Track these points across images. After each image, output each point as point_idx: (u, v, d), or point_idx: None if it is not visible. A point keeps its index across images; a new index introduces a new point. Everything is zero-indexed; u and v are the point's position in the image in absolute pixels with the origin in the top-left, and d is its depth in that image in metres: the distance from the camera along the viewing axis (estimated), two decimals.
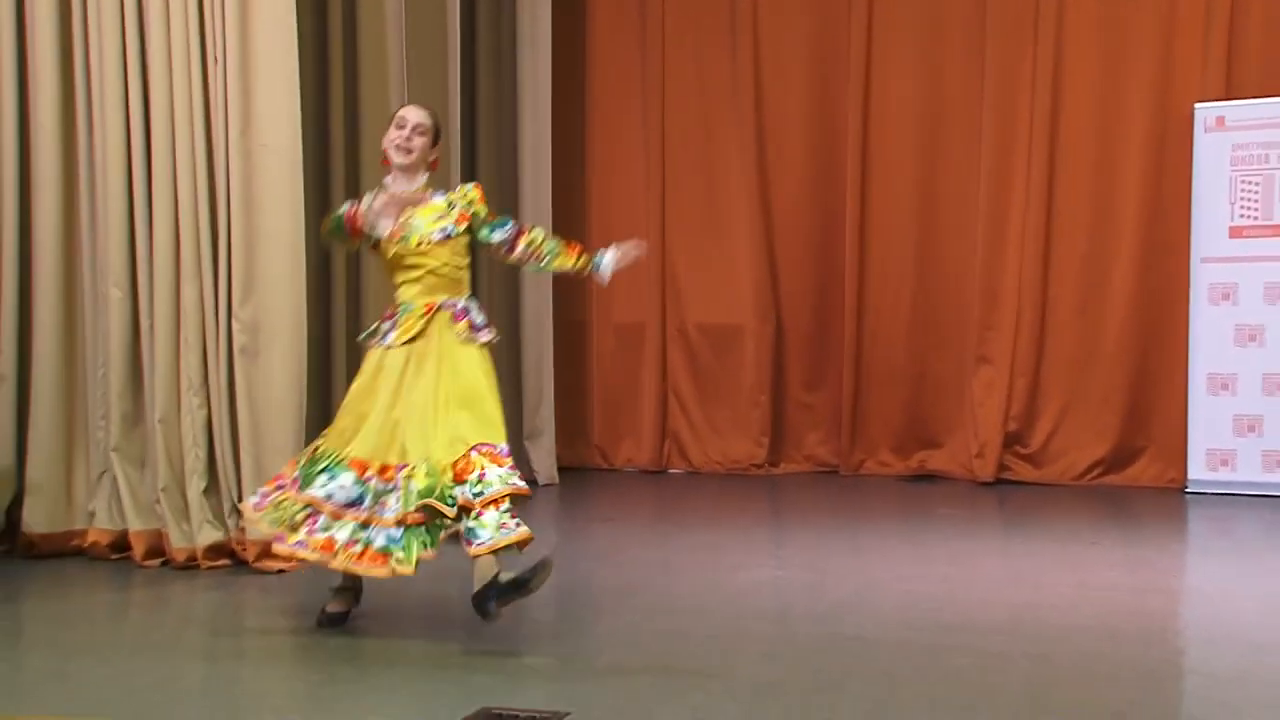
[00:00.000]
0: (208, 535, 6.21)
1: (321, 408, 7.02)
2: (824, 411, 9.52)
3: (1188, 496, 8.32)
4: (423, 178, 5.08)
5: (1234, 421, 8.33)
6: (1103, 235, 8.82)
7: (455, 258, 5.01)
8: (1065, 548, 6.84)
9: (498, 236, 5.05)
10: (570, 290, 9.42)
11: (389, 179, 5.08)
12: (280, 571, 6.07)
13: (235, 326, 6.17)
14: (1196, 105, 8.43)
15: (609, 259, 5.05)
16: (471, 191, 5.08)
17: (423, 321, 4.91)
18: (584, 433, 9.75)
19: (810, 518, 7.97)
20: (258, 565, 6.10)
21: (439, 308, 4.94)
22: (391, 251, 4.96)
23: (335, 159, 7.21)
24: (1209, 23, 8.56)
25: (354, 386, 4.99)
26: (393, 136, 5.03)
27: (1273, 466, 8.25)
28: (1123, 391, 8.77)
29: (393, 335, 4.92)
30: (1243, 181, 8.31)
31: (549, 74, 9.10)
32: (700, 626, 5.11)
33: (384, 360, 4.91)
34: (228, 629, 5.40)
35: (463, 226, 4.99)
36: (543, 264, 5.10)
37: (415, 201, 4.98)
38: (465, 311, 4.98)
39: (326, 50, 7.18)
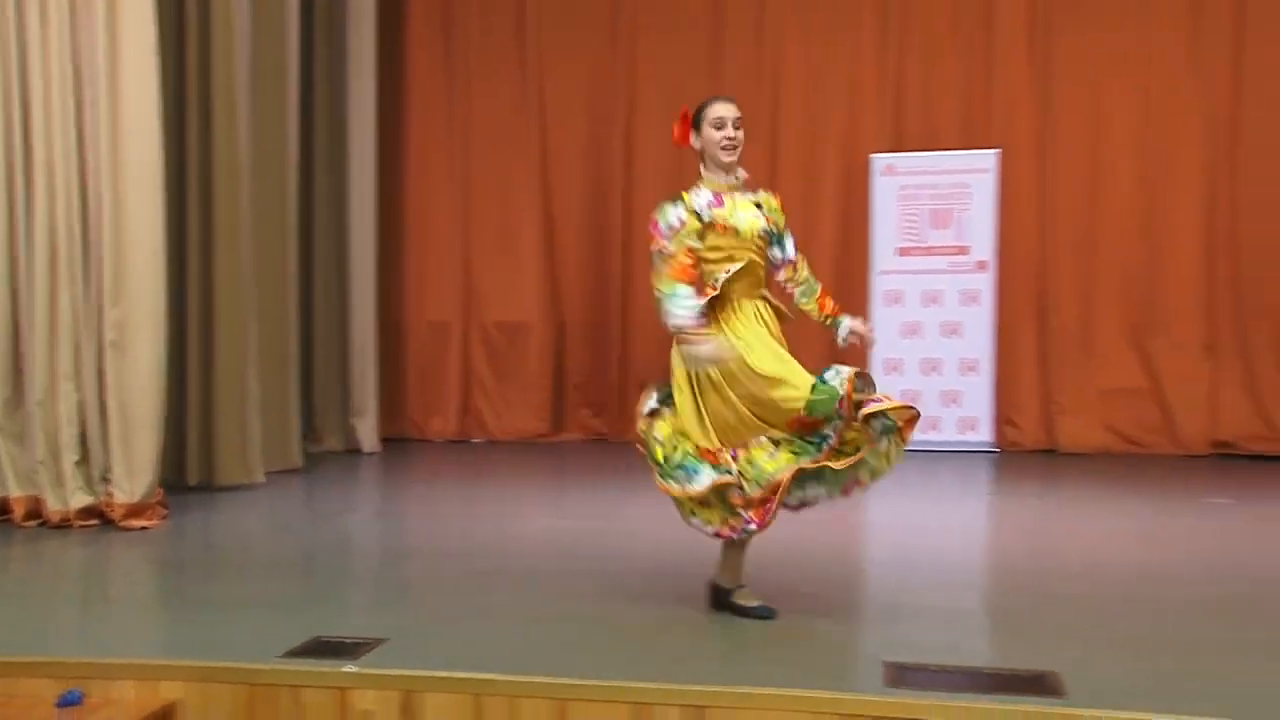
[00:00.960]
0: (79, 499, 5.89)
1: (176, 391, 6.74)
2: (595, 391, 9.55)
3: None
4: (741, 171, 4.14)
5: (901, 395, 8.56)
6: (805, 253, 9.02)
7: (764, 255, 4.13)
8: None
9: (778, 255, 4.20)
10: (390, 293, 9.27)
11: (705, 171, 4.12)
12: (144, 528, 5.80)
13: (106, 324, 5.86)
14: (873, 155, 8.72)
15: (845, 329, 4.20)
16: (775, 201, 4.19)
17: (752, 311, 4.05)
18: (402, 409, 9.57)
19: (585, 477, 8.00)
20: (123, 525, 5.82)
21: (760, 298, 4.09)
22: (720, 242, 4.02)
23: (191, 178, 6.92)
24: (881, 92, 8.87)
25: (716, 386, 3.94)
26: (716, 137, 4.06)
27: (928, 429, 8.58)
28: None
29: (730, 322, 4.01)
30: (907, 214, 8.65)
31: (373, 100, 8.88)
32: (496, 566, 5.07)
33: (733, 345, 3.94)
34: (97, 579, 5.13)
35: (771, 229, 4.14)
36: (796, 296, 4.25)
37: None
38: (766, 301, 4.12)
39: (184, 78, 6.88)
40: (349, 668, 3.50)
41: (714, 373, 3.94)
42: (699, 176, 4.15)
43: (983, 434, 8.55)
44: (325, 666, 3.51)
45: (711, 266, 4.03)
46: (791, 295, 4.26)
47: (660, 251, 4.01)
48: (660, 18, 9.23)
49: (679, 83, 9.17)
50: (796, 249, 4.26)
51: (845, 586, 4.78)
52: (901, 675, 3.47)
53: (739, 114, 4.10)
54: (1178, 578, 4.83)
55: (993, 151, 8.52)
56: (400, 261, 9.56)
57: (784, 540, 5.48)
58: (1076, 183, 8.61)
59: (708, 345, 3.91)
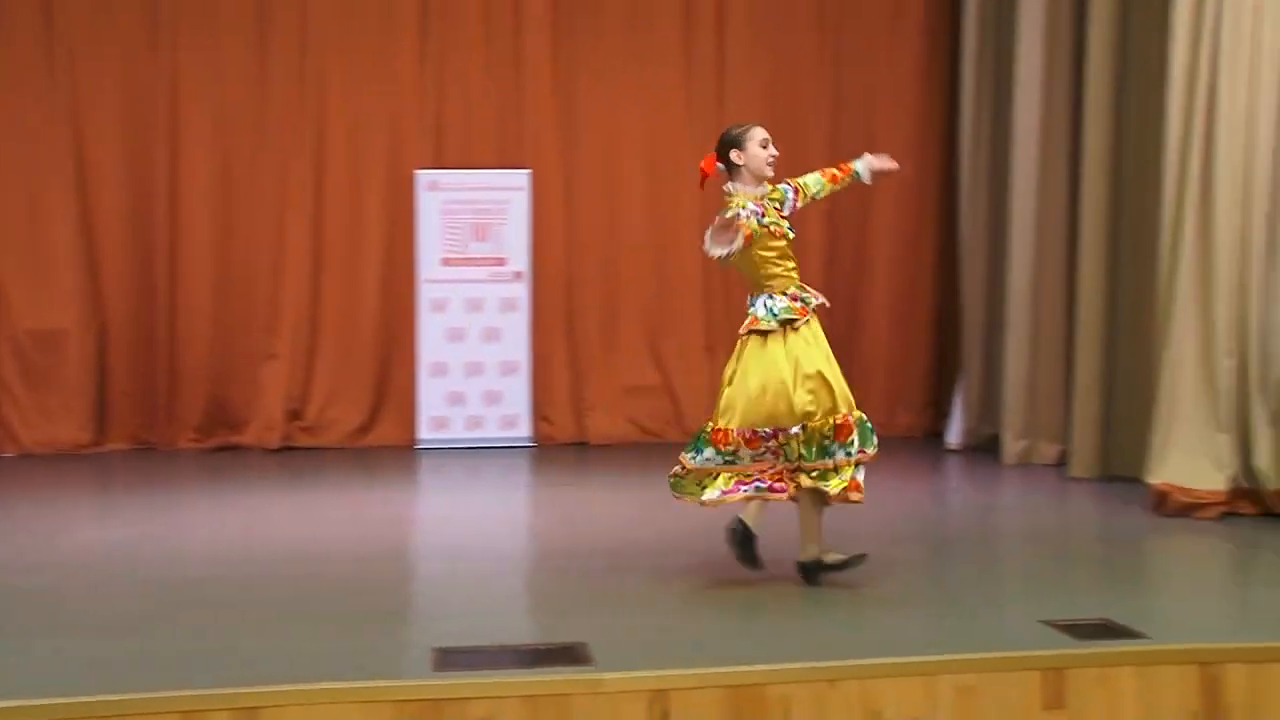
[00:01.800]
0: None
1: None
2: (142, 399, 8.81)
3: (418, 451, 8.60)
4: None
5: (447, 396, 8.73)
6: (354, 262, 8.85)
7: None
8: (334, 494, 6.85)
9: (787, 208, 4.52)
10: None
11: (737, 186, 4.48)
12: None
13: None
14: (418, 171, 8.73)
15: (866, 173, 4.66)
16: (776, 188, 4.54)
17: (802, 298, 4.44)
18: None
19: (132, 487, 7.38)
20: None
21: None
22: (772, 243, 4.39)
23: None
24: (422, 114, 8.84)
25: (776, 364, 4.33)
26: (764, 155, 4.48)
27: (473, 427, 8.74)
28: (374, 375, 8.86)
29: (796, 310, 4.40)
30: (450, 227, 8.74)
31: None
32: (23, 584, 4.55)
33: (804, 332, 4.39)
34: None
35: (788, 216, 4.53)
36: (820, 199, 4.70)
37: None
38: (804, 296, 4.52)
39: None
40: None
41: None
42: (727, 194, 4.51)
43: (522, 430, 8.81)
44: None
45: (774, 266, 4.43)
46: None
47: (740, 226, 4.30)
48: (203, 27, 8.67)
49: (224, 89, 8.69)
50: (789, 182, 4.60)
51: (397, 581, 4.76)
52: (448, 659, 3.53)
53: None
54: (684, 548, 5.25)
55: (525, 172, 8.81)
56: None
57: (340, 539, 5.38)
58: (597, 204, 9.07)
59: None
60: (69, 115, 8.50)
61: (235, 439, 8.76)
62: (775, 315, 4.39)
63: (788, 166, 9.16)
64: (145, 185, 8.71)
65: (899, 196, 9.11)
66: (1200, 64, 5.86)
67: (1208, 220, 5.85)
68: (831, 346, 4.50)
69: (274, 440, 8.67)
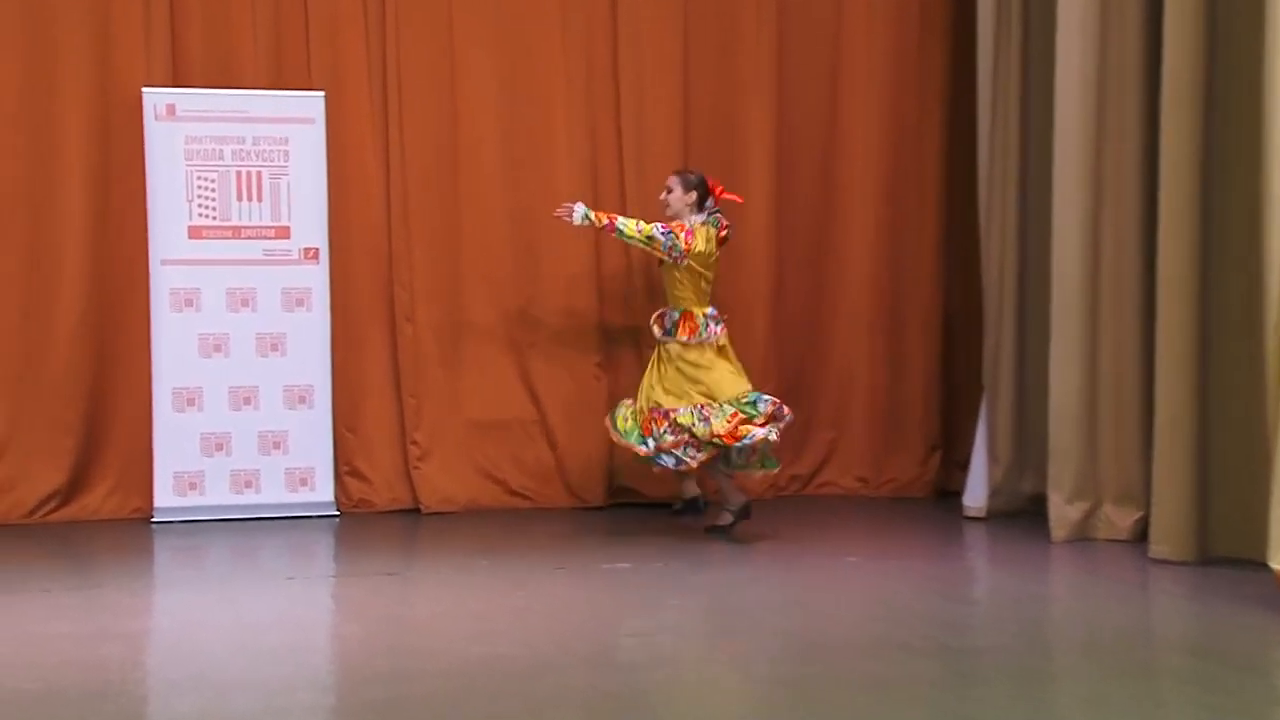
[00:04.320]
0: None
1: None
2: None
3: (154, 527, 8.34)
4: (687, 216, 7.98)
5: (201, 441, 8.45)
6: (37, 230, 8.52)
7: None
8: (9, 597, 6.58)
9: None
10: None
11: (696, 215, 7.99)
12: None
13: None
14: (145, 89, 8.39)
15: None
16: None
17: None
18: None
19: None
20: None
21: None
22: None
23: None
24: (149, 7, 8.60)
25: (722, 366, 7.86)
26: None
27: (241, 487, 8.51)
28: (78, 412, 8.56)
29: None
30: (200, 177, 8.44)
31: None
32: None
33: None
34: None
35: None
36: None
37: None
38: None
39: None
40: None
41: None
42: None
43: (320, 492, 8.61)
44: None
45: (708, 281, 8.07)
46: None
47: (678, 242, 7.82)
48: None
49: None
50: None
51: None
52: None
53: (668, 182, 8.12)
54: (561, 669, 5.23)
55: (316, 95, 8.62)
56: None
57: (16, 666, 5.15)
58: (428, 145, 8.94)
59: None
60: None
61: None
62: None
63: (721, 100, 9.30)
64: None
65: (878, 180, 9.29)
66: None
67: None
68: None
69: None
